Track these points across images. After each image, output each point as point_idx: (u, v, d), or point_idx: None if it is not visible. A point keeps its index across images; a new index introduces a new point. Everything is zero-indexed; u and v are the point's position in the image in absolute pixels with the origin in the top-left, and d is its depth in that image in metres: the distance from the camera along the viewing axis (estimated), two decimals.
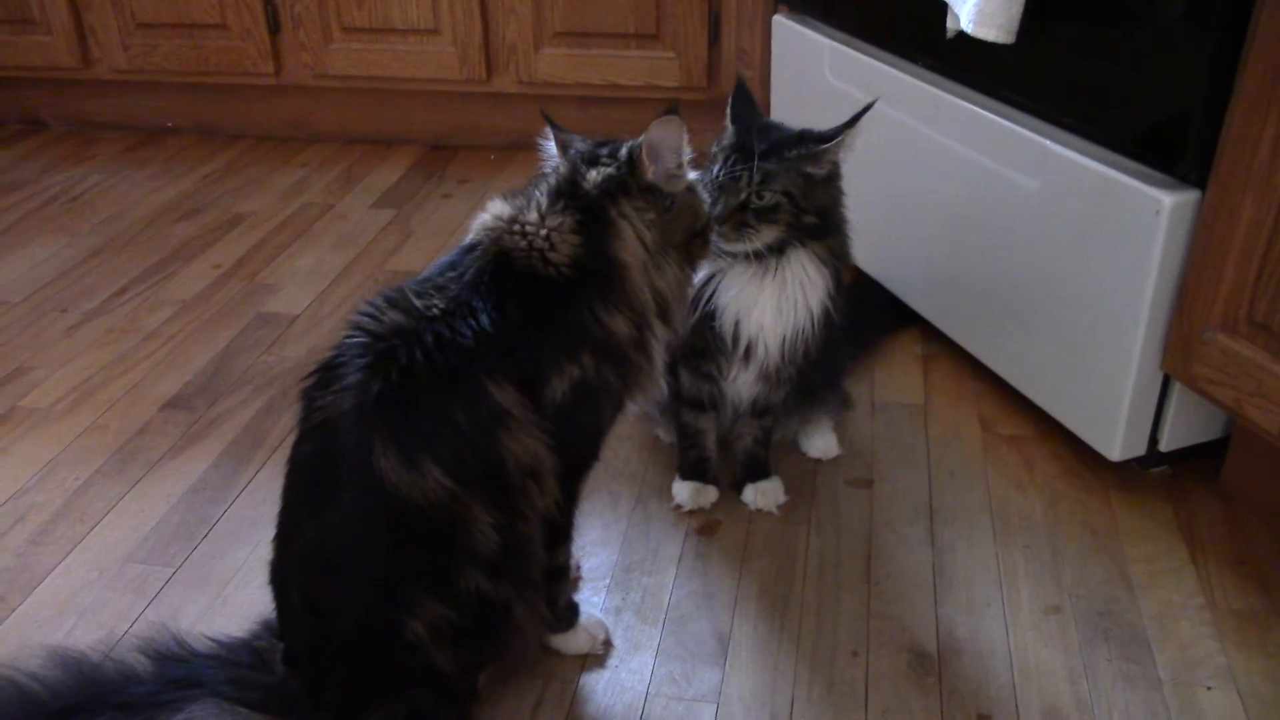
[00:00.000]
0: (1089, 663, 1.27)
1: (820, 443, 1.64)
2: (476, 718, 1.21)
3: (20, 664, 1.13)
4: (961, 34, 1.49)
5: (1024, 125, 1.54)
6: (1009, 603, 1.36)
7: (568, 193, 1.13)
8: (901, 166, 1.82)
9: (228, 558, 1.45)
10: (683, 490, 1.53)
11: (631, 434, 1.69)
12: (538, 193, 1.14)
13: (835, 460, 1.63)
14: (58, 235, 2.40)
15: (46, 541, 1.49)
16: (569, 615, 1.29)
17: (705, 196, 1.24)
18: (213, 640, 1.20)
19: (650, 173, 1.14)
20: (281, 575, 1.13)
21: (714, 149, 1.38)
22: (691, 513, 1.53)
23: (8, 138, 2.97)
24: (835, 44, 1.96)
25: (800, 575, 1.41)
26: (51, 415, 1.77)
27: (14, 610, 1.37)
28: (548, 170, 1.17)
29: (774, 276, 1.37)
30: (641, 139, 1.13)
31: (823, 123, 1.37)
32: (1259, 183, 1.24)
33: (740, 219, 1.33)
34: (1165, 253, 1.36)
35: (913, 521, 1.50)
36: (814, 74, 2.02)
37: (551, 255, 1.09)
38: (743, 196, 1.33)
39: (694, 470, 1.54)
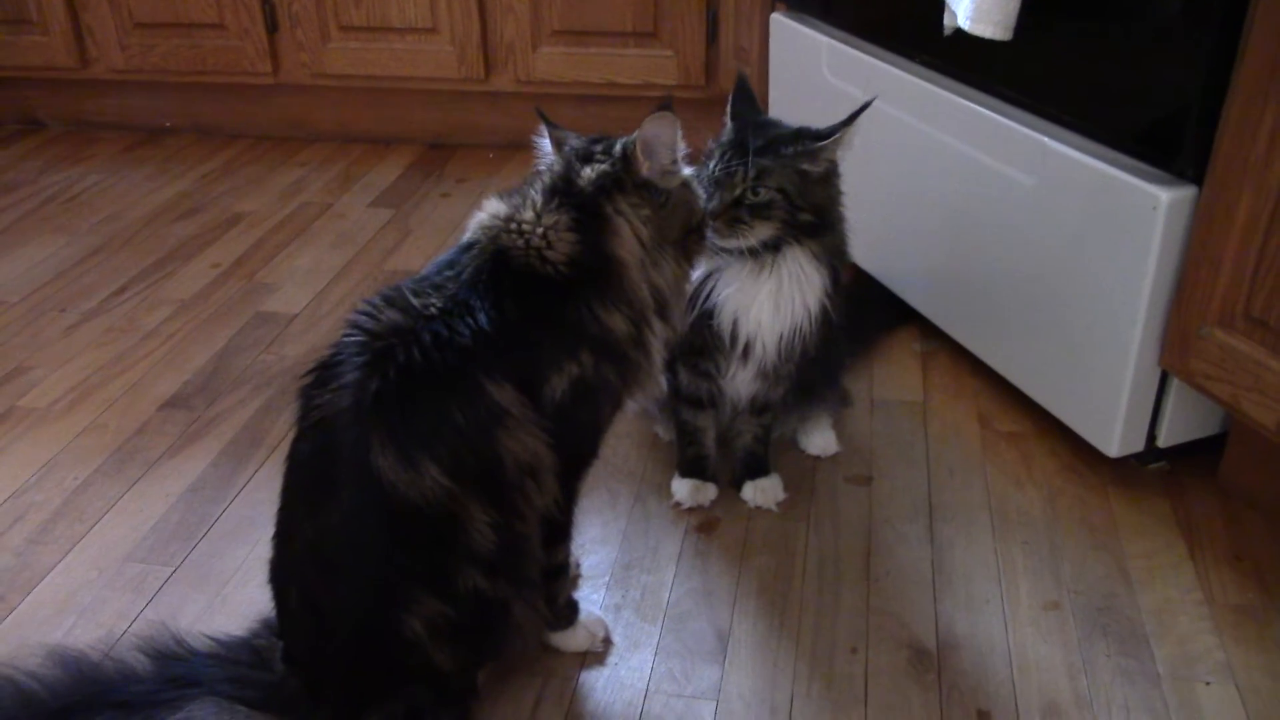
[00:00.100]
0: (1088, 658, 1.27)
1: (819, 440, 1.64)
2: (476, 715, 1.20)
3: (19, 663, 1.13)
4: (959, 31, 1.49)
5: (1021, 122, 1.55)
6: (1008, 599, 1.36)
7: (563, 190, 1.13)
8: (899, 164, 1.82)
9: (227, 557, 1.45)
10: (682, 488, 1.54)
11: (630, 431, 1.69)
12: (533, 191, 1.14)
13: (834, 457, 1.63)
14: (56, 235, 2.40)
15: (46, 541, 1.49)
16: (568, 613, 1.29)
17: (700, 193, 1.24)
18: (212, 639, 1.20)
19: (645, 169, 1.14)
20: (280, 574, 1.13)
21: (711, 145, 1.38)
22: (691, 510, 1.53)
23: (6, 138, 2.97)
24: (833, 42, 1.96)
25: (799, 572, 1.41)
26: (50, 415, 1.77)
27: (13, 609, 1.37)
28: (543, 168, 1.17)
29: (770, 274, 1.37)
30: (635, 135, 1.13)
31: (821, 121, 1.37)
32: (1256, 178, 1.24)
33: (734, 215, 1.33)
34: (1163, 249, 1.36)
35: (912, 518, 1.50)
36: (812, 72, 2.02)
37: (549, 254, 1.09)
38: (738, 192, 1.33)
39: (693, 468, 1.54)
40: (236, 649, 1.19)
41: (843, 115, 1.35)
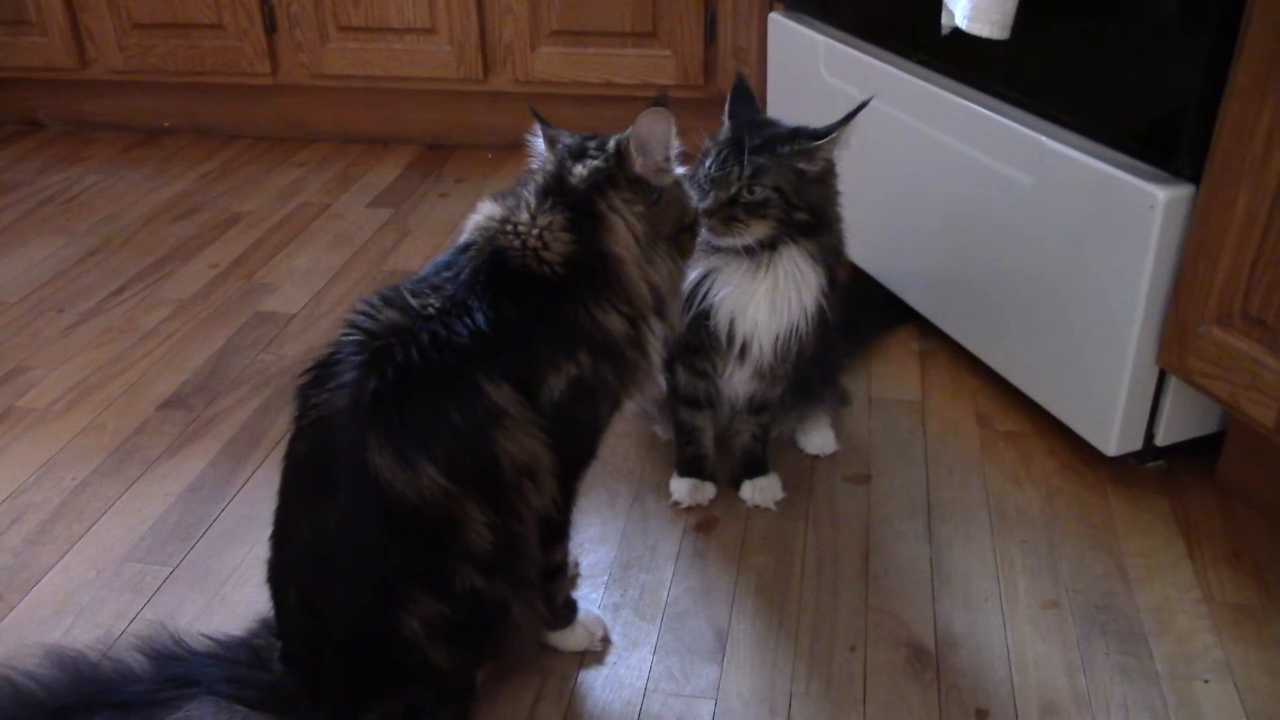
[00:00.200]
0: (1086, 657, 1.27)
1: (818, 439, 1.64)
2: (475, 714, 1.20)
3: (18, 663, 1.13)
4: (956, 30, 1.49)
5: (1019, 121, 1.55)
6: (1006, 597, 1.36)
7: (555, 190, 1.13)
8: (898, 163, 1.82)
9: (225, 556, 1.45)
10: (680, 487, 1.54)
11: (629, 431, 1.69)
12: (526, 192, 1.14)
13: (833, 456, 1.63)
14: (55, 235, 2.40)
15: (44, 541, 1.49)
16: (567, 612, 1.29)
17: (691, 192, 1.23)
18: (210, 639, 1.20)
19: (638, 165, 1.13)
20: (278, 574, 1.12)
21: (708, 144, 1.38)
22: (689, 509, 1.53)
23: (4, 138, 2.97)
24: (831, 41, 1.96)
25: (798, 571, 1.42)
26: (49, 415, 1.77)
27: (12, 609, 1.37)
28: (535, 168, 1.17)
29: (766, 273, 1.37)
30: (629, 131, 1.13)
31: (819, 120, 1.37)
32: (1253, 176, 1.24)
33: (730, 213, 1.33)
34: (1160, 247, 1.36)
35: (910, 517, 1.50)
36: (810, 71, 2.03)
37: (545, 254, 1.09)
38: (733, 190, 1.33)
39: (691, 467, 1.54)
40: (235, 649, 1.19)
41: (841, 115, 1.35)
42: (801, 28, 2.06)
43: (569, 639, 1.29)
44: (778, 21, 2.15)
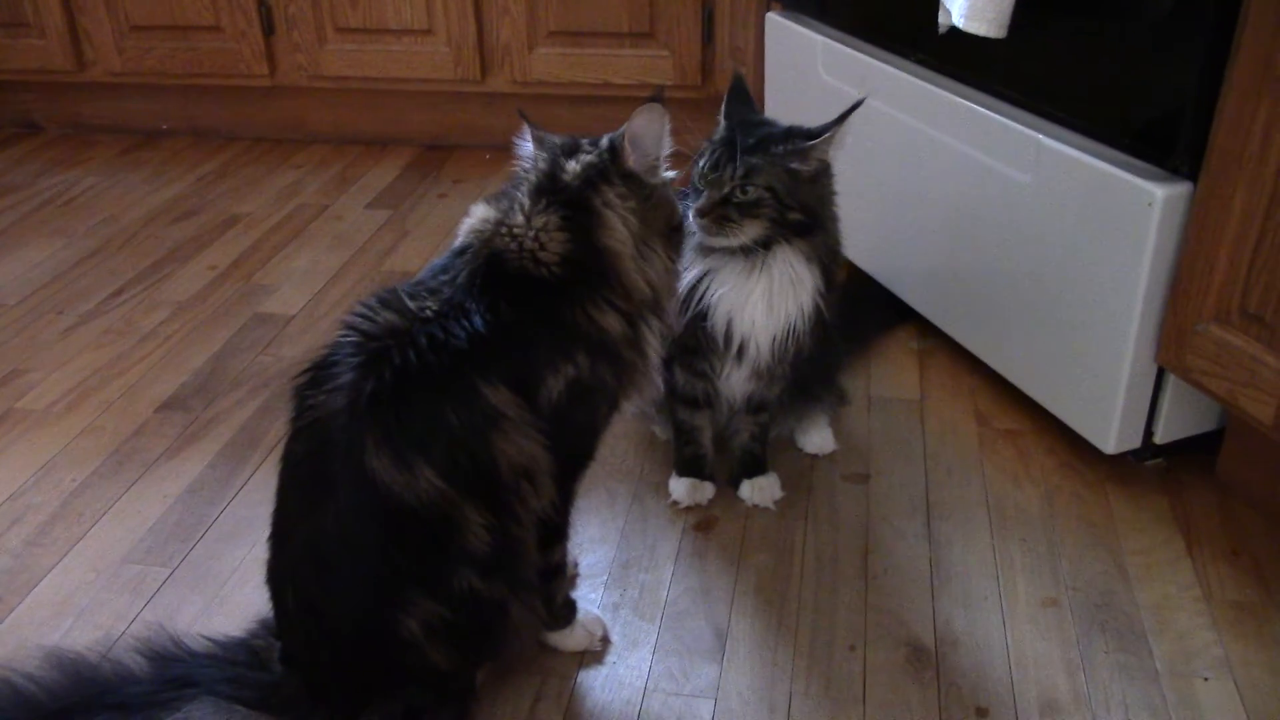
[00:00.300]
0: (1086, 655, 1.27)
1: (816, 438, 1.64)
2: (474, 714, 1.21)
3: (17, 665, 1.13)
4: (953, 29, 1.49)
5: (1017, 120, 1.55)
6: (1006, 596, 1.36)
7: (548, 189, 1.12)
8: (896, 162, 1.82)
9: (225, 558, 1.45)
10: (679, 487, 1.54)
11: (628, 431, 1.69)
12: (520, 194, 1.13)
13: (832, 455, 1.63)
14: (53, 238, 2.40)
15: (43, 543, 1.49)
16: (566, 613, 1.29)
17: (675, 197, 1.23)
18: (210, 640, 1.20)
19: (631, 161, 1.13)
20: (277, 575, 1.12)
21: (704, 144, 1.38)
22: (688, 509, 1.53)
23: (2, 141, 2.97)
24: (828, 41, 1.96)
25: (797, 570, 1.42)
26: (48, 417, 1.77)
27: (11, 611, 1.37)
28: (525, 168, 1.17)
29: (761, 273, 1.36)
30: (624, 128, 1.13)
31: (816, 120, 1.37)
32: (1250, 174, 1.24)
33: (722, 213, 1.32)
34: (1158, 245, 1.36)
35: (909, 516, 1.50)
36: (808, 71, 2.03)
37: (542, 255, 1.09)
38: (726, 190, 1.32)
39: (690, 467, 1.54)
40: (234, 650, 1.19)
41: (838, 114, 1.35)
42: (799, 27, 2.06)
43: (568, 639, 1.29)
44: (775, 21, 2.15)
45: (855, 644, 1.30)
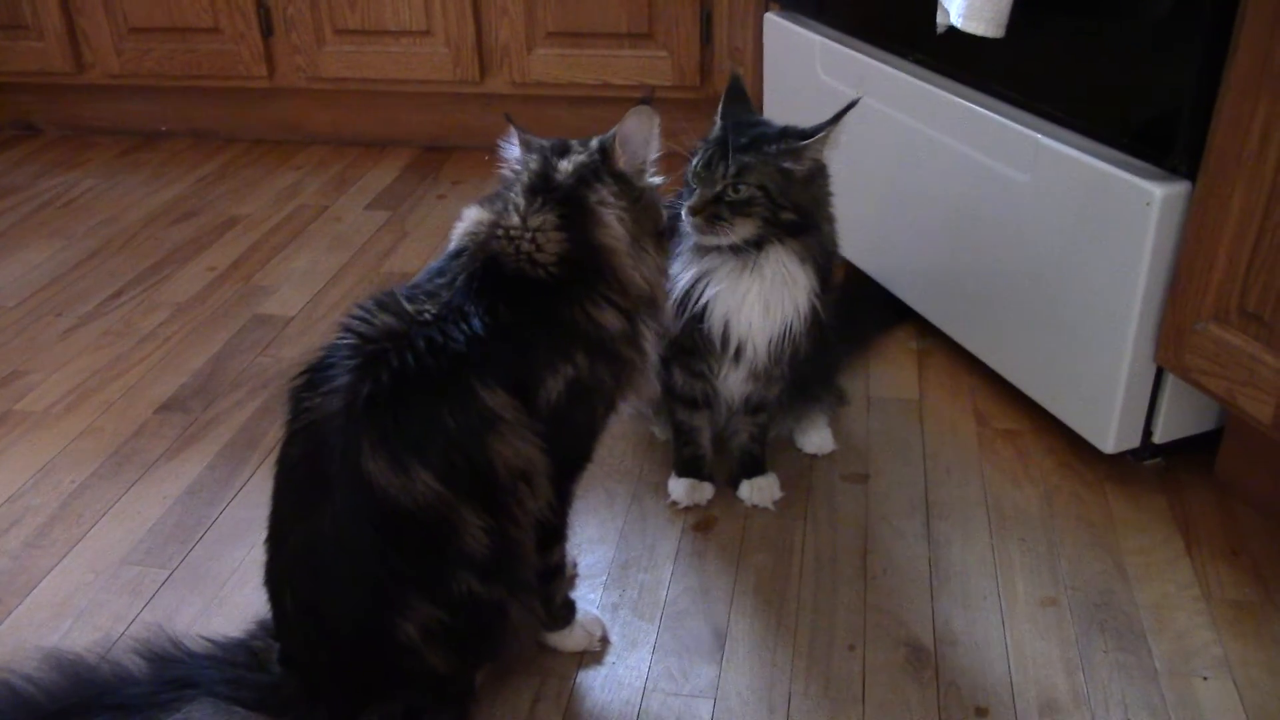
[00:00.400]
0: (1085, 654, 1.27)
1: (816, 438, 1.64)
2: (474, 715, 1.21)
3: (16, 666, 1.13)
4: (951, 29, 1.50)
5: (1015, 119, 1.55)
6: (1005, 596, 1.36)
7: (542, 188, 1.13)
8: (894, 162, 1.82)
9: (224, 559, 1.45)
10: (678, 487, 1.53)
11: (627, 432, 1.69)
12: (513, 194, 1.14)
13: (831, 455, 1.63)
14: (52, 239, 2.40)
15: (43, 544, 1.49)
16: (565, 613, 1.29)
17: (661, 202, 1.23)
18: (209, 641, 1.20)
19: (622, 161, 1.14)
20: (274, 578, 1.12)
21: (699, 144, 1.38)
22: (687, 509, 1.53)
23: (1, 143, 2.97)
24: (827, 41, 1.96)
25: (796, 570, 1.42)
26: (47, 418, 1.77)
27: (10, 613, 1.37)
28: (516, 170, 1.17)
29: (754, 273, 1.36)
30: (614, 130, 1.13)
31: (814, 120, 1.37)
32: (1248, 173, 1.24)
33: (714, 211, 1.32)
34: (1157, 245, 1.36)
35: (908, 516, 1.50)
36: (806, 71, 2.03)
37: (539, 256, 1.10)
38: (718, 189, 1.32)
39: (689, 467, 1.54)
40: (233, 651, 1.19)
41: (832, 115, 1.34)
42: (797, 28, 2.06)
43: (568, 639, 1.29)
44: (773, 22, 2.15)
45: (854, 644, 1.30)
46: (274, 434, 1.69)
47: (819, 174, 1.37)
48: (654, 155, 1.17)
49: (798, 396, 1.57)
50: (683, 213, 1.33)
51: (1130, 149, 1.40)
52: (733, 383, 1.46)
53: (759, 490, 1.53)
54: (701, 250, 1.38)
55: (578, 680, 1.26)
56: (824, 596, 1.37)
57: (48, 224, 2.48)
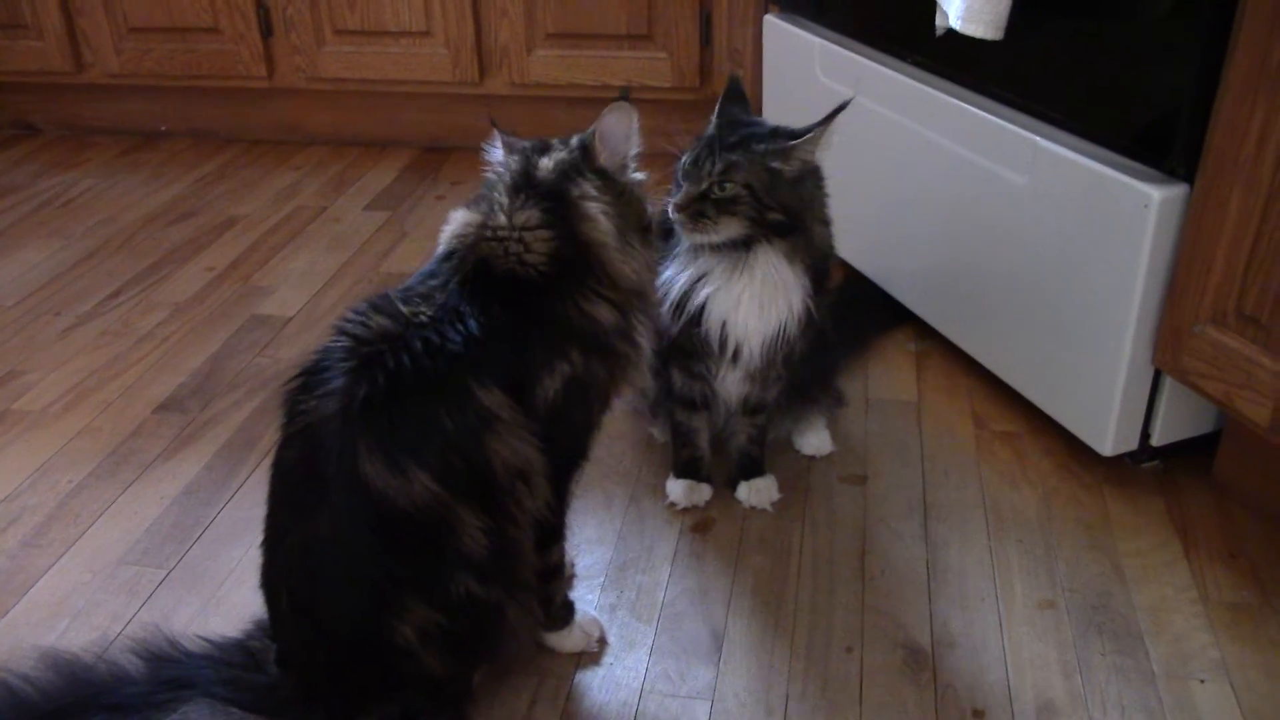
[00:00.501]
0: (1083, 657, 1.27)
1: (814, 440, 1.64)
2: (471, 717, 1.20)
3: (13, 666, 1.13)
4: (951, 31, 1.50)
5: (1014, 122, 1.55)
6: (1003, 598, 1.36)
7: (524, 185, 1.13)
8: (892, 164, 1.82)
9: (221, 559, 1.45)
10: (676, 488, 1.53)
11: (625, 433, 1.69)
12: (497, 194, 1.14)
13: (829, 457, 1.63)
14: (51, 239, 2.40)
15: (40, 544, 1.49)
16: (565, 614, 1.29)
17: (645, 197, 1.22)
18: (206, 641, 1.20)
19: (602, 158, 1.14)
20: (270, 580, 1.12)
21: (693, 141, 1.37)
22: (686, 510, 1.53)
23: (0, 142, 2.97)
24: (826, 43, 1.97)
25: (794, 572, 1.41)
26: (45, 418, 1.76)
27: (7, 612, 1.37)
28: (499, 171, 1.17)
29: (743, 273, 1.35)
30: (593, 127, 1.13)
31: (814, 121, 1.37)
32: (1246, 175, 1.25)
33: (699, 208, 1.31)
34: (1155, 247, 1.36)
35: (906, 517, 1.50)
36: (805, 73, 2.03)
37: (528, 257, 1.10)
38: (703, 186, 1.31)
39: (687, 469, 1.54)
40: (230, 651, 1.19)
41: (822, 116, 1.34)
42: (796, 29, 2.06)
43: (566, 640, 1.29)
44: (773, 23, 2.15)
45: (852, 645, 1.30)
46: (272, 434, 1.69)
47: (809, 176, 1.36)
48: (635, 151, 1.17)
49: (796, 398, 1.57)
50: (669, 209, 1.32)
51: (1128, 151, 1.40)
52: (730, 384, 1.46)
53: (757, 492, 1.53)
54: (697, 251, 1.37)
55: (575, 681, 1.26)
56: (822, 598, 1.37)
57: (46, 223, 2.48)
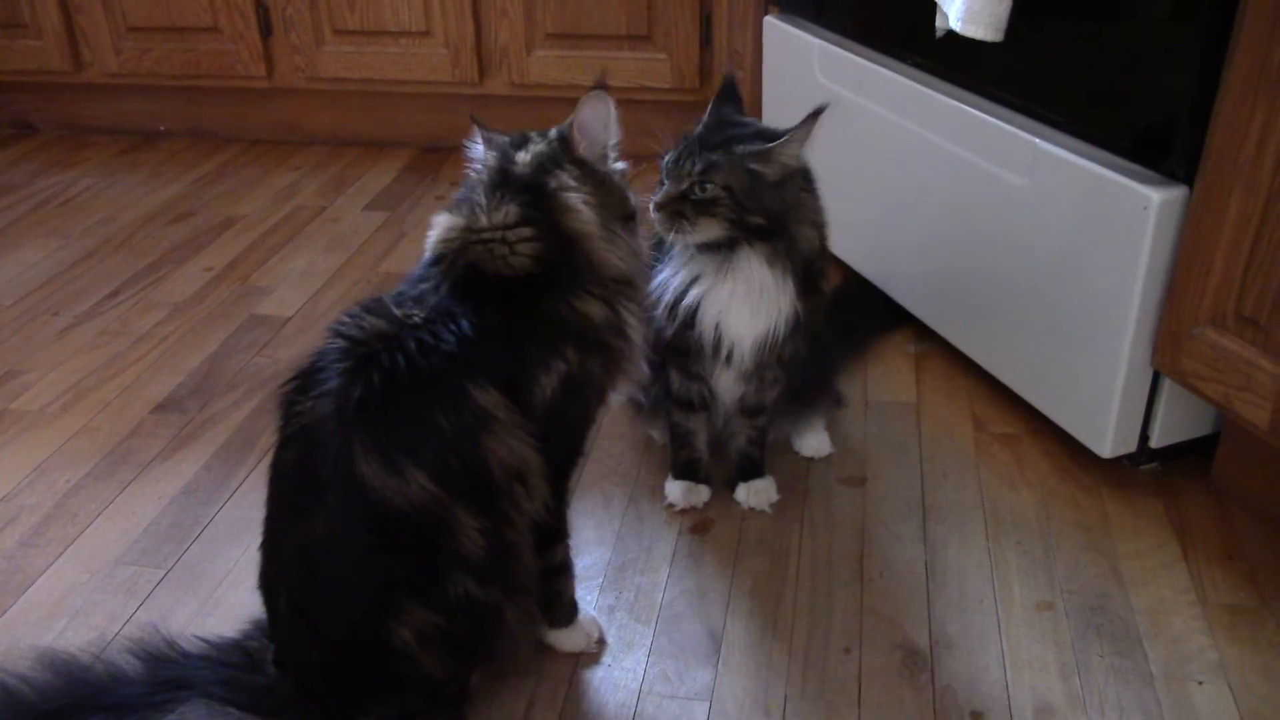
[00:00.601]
0: (1081, 659, 1.27)
1: (813, 441, 1.64)
2: (469, 717, 1.20)
3: (10, 666, 1.13)
4: (950, 33, 1.50)
5: (1013, 123, 1.55)
6: (1001, 599, 1.36)
7: (501, 183, 1.12)
8: (892, 165, 1.82)
9: (219, 559, 1.45)
10: (675, 489, 1.53)
11: (624, 434, 1.69)
12: (476, 195, 1.13)
13: (828, 458, 1.63)
14: (49, 239, 2.40)
15: (37, 544, 1.49)
16: (571, 611, 1.29)
17: (626, 186, 1.22)
18: (204, 641, 1.20)
19: (581, 148, 1.14)
20: (269, 582, 1.12)
21: (682, 139, 1.36)
22: (684, 511, 1.53)
23: None
24: (825, 44, 1.97)
25: (793, 573, 1.41)
26: (43, 418, 1.76)
27: (5, 612, 1.37)
28: (478, 169, 1.16)
29: (727, 275, 1.34)
30: (571, 117, 1.13)
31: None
32: (1245, 177, 1.25)
33: (678, 208, 1.30)
34: (1154, 249, 1.36)
35: (905, 519, 1.50)
36: (804, 74, 2.03)
37: (514, 260, 1.09)
38: (684, 186, 1.30)
39: (686, 470, 1.54)
40: (228, 651, 1.19)
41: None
42: (796, 30, 2.06)
43: (570, 638, 1.29)
44: (772, 24, 2.15)
45: (850, 647, 1.29)
46: (270, 434, 1.68)
47: (794, 178, 1.33)
48: (614, 140, 1.17)
49: (795, 400, 1.57)
50: (650, 208, 1.31)
51: (1128, 153, 1.40)
52: (725, 384, 1.45)
53: (756, 493, 1.53)
54: (691, 253, 1.37)
55: (573, 683, 1.26)
56: (820, 599, 1.37)
57: (45, 223, 2.48)
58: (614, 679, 1.26)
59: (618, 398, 1.22)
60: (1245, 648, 1.28)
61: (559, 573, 1.24)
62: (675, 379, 1.48)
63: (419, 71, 2.66)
